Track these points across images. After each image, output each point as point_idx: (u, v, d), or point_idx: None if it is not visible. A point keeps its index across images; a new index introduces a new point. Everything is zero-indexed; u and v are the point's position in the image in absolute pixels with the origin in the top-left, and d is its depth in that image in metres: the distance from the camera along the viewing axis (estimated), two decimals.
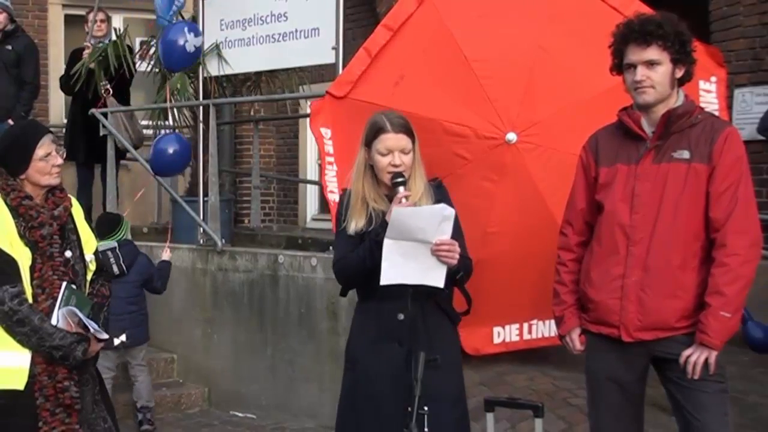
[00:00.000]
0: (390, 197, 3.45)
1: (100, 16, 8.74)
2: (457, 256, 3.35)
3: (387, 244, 3.30)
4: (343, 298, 3.91)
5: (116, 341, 5.87)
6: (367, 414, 3.47)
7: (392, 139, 3.44)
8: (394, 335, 3.44)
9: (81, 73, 8.25)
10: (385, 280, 3.33)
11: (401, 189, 3.39)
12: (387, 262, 3.31)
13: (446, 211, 3.31)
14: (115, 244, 6.07)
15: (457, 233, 3.43)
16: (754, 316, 4.98)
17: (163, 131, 8.57)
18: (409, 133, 3.48)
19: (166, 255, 6.36)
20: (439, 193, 3.55)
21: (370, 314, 3.55)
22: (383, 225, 3.35)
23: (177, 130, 9.25)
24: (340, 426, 3.62)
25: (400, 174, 3.42)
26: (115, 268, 5.95)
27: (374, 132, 3.47)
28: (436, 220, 3.29)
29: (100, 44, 8.52)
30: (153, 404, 6.30)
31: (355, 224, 3.47)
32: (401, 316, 3.42)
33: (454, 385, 3.55)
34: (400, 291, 3.37)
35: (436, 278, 3.35)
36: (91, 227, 3.94)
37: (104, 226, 6.15)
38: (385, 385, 3.44)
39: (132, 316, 6.10)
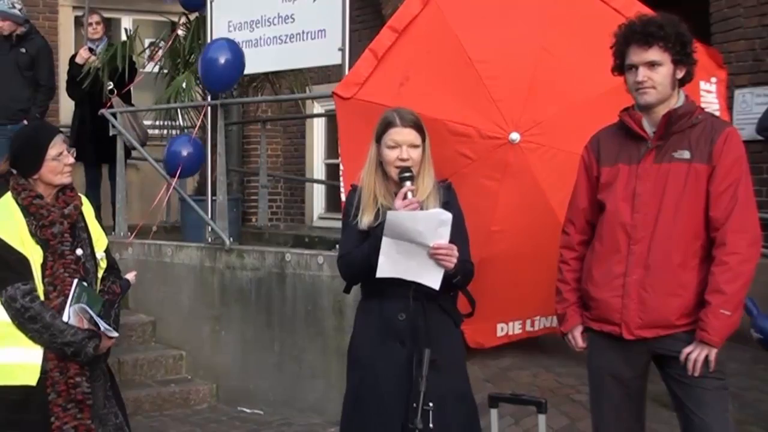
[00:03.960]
0: (398, 193, 3.45)
1: (95, 18, 8.79)
2: (455, 260, 3.37)
3: (385, 241, 3.33)
4: (348, 295, 3.96)
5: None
6: (371, 413, 3.49)
7: (400, 133, 3.45)
8: (396, 335, 3.47)
9: (89, 73, 8.32)
10: (380, 273, 3.37)
11: (408, 183, 3.40)
12: (384, 257, 3.35)
13: (443, 216, 3.34)
14: None
15: (461, 238, 3.46)
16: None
17: (174, 132, 8.64)
18: (419, 129, 3.49)
19: (130, 276, 6.09)
20: (448, 195, 3.55)
21: (372, 314, 3.56)
22: None
23: (185, 130, 9.34)
24: (346, 423, 3.63)
25: (407, 169, 3.43)
26: None
27: (384, 126, 3.49)
28: (434, 225, 3.33)
29: (98, 46, 8.59)
30: None
31: (366, 219, 3.47)
32: (402, 316, 3.45)
33: (458, 385, 3.55)
34: (402, 291, 3.42)
35: (432, 279, 3.39)
36: (101, 226, 3.98)
37: None
38: (389, 385, 3.45)
39: None
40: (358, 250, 3.48)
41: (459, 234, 3.44)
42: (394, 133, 3.46)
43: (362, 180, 3.56)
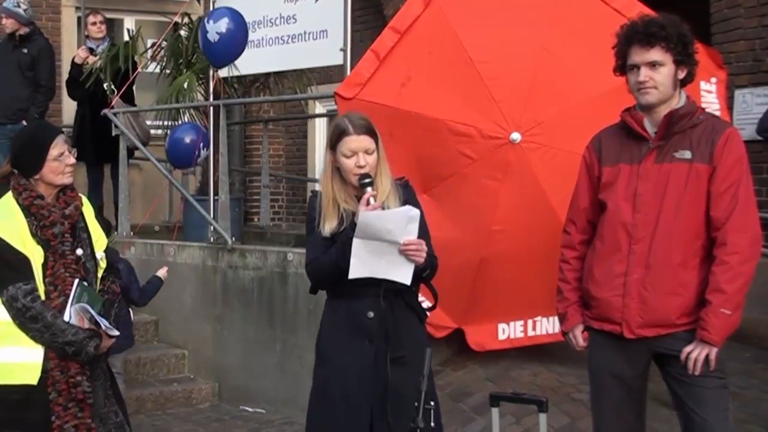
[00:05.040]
0: (359, 197, 3.50)
1: (99, 18, 8.80)
2: (425, 255, 3.44)
3: (356, 242, 3.40)
4: None
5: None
6: (338, 408, 3.54)
7: (355, 141, 3.49)
8: (365, 333, 3.52)
9: (92, 72, 8.34)
10: (353, 274, 3.42)
11: (369, 189, 3.46)
12: (355, 259, 3.41)
13: (411, 212, 3.41)
14: None
15: (423, 233, 3.51)
16: (755, 313, 4.99)
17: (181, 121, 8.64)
18: (372, 133, 3.53)
19: (161, 272, 6.12)
20: (406, 193, 3.61)
21: (340, 312, 3.61)
22: (354, 226, 3.42)
23: None
24: (311, 419, 3.67)
25: (367, 175, 3.48)
26: None
27: (337, 135, 3.53)
28: (403, 222, 3.39)
29: (100, 47, 8.61)
30: None
31: (328, 226, 3.53)
32: (371, 314, 3.51)
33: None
34: (370, 290, 3.48)
35: (403, 275, 3.46)
36: (102, 226, 3.99)
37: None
38: (356, 381, 3.51)
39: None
40: (326, 256, 3.53)
41: (422, 230, 3.49)
42: (348, 141, 3.50)
43: (320, 188, 3.62)
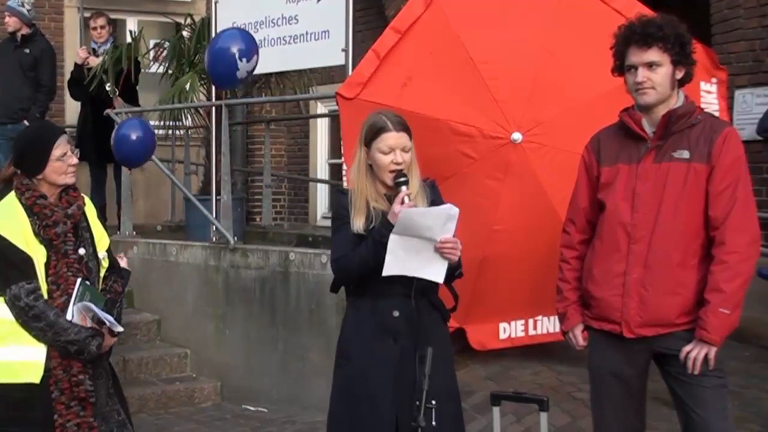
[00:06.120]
0: (389, 196, 3.51)
1: (100, 22, 8.79)
2: (459, 253, 3.44)
3: (393, 239, 3.38)
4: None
5: None
6: (362, 409, 3.53)
7: (393, 138, 3.49)
8: (389, 332, 3.52)
9: (95, 74, 8.36)
10: (387, 271, 3.41)
11: (404, 188, 3.45)
12: (391, 255, 3.40)
13: (452, 211, 3.40)
14: None
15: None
16: (754, 312, 5.00)
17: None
18: (408, 131, 3.54)
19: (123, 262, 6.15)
20: (434, 193, 3.61)
21: (364, 311, 3.60)
22: (385, 225, 3.41)
23: (189, 131, 9.37)
24: (334, 418, 3.67)
25: (402, 173, 3.48)
26: None
27: (375, 131, 3.52)
28: (442, 219, 3.39)
29: (102, 48, 8.63)
30: None
31: (359, 222, 3.52)
32: (396, 313, 3.51)
33: (446, 379, 3.59)
34: (396, 289, 3.48)
35: (437, 273, 3.46)
36: (104, 225, 4.01)
37: None
38: (381, 381, 3.50)
39: None
40: (355, 252, 3.51)
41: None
42: (387, 138, 3.49)
43: (352, 184, 3.61)
